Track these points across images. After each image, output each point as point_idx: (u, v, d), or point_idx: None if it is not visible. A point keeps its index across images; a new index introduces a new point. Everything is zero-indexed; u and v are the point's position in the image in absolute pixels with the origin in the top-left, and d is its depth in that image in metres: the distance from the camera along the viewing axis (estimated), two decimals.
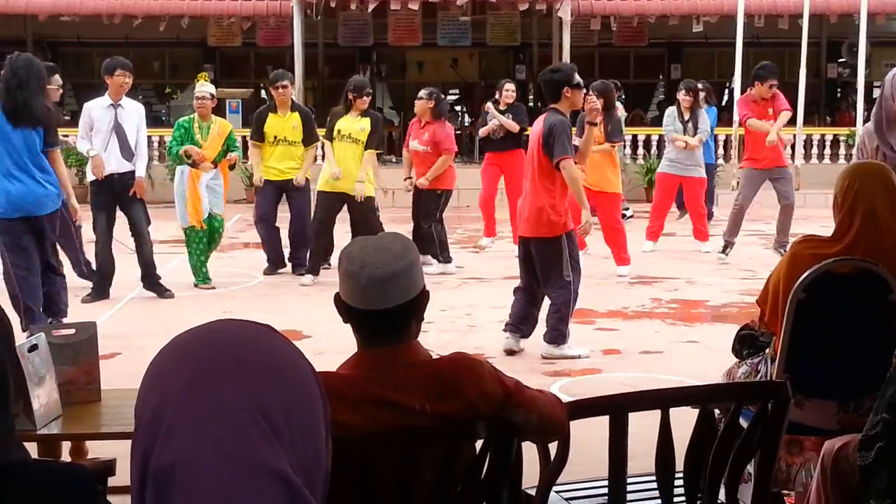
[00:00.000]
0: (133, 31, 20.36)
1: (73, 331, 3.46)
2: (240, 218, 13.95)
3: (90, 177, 8.72)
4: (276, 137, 9.70)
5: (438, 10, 20.67)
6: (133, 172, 8.65)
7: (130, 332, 7.42)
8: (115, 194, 8.65)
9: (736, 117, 13.01)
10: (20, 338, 3.23)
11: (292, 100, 10.07)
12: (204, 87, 9.19)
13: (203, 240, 9.18)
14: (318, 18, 19.48)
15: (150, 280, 8.93)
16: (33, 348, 3.16)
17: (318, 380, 1.75)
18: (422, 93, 10.26)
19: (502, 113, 11.01)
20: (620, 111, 12.00)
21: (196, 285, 9.25)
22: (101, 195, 8.67)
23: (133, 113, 8.74)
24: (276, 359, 1.87)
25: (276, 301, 8.85)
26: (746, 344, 3.80)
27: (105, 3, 19.76)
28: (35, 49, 22.57)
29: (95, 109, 8.64)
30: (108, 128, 8.56)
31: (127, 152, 8.60)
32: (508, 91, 11.20)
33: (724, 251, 10.73)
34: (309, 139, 9.85)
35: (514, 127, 10.94)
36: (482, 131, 11.42)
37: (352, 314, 2.35)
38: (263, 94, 24.54)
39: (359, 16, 20.90)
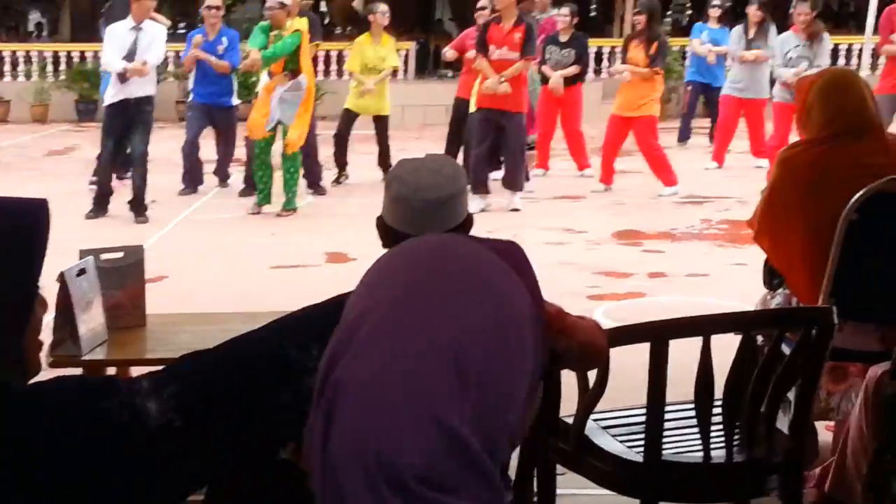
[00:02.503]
0: None
1: (121, 254, 3.47)
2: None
3: (107, 100, 8.77)
4: None
5: None
6: (149, 97, 8.72)
7: (177, 254, 7.50)
8: (126, 119, 8.69)
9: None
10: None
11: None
12: None
13: (265, 160, 8.94)
14: None
15: (135, 203, 8.89)
16: (81, 272, 3.17)
17: (536, 309, 1.80)
18: None
19: (559, 46, 10.66)
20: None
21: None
22: (114, 118, 8.72)
23: (154, 37, 8.70)
24: (491, 299, 1.90)
25: (322, 222, 8.85)
26: (776, 273, 3.76)
27: None
28: None
29: (118, 31, 8.66)
30: (126, 52, 8.56)
31: (142, 78, 8.62)
32: (562, 16, 10.71)
33: None
34: None
35: (574, 72, 10.67)
36: (545, 71, 10.67)
37: (399, 239, 2.25)
38: (323, 5, 24.27)
39: None
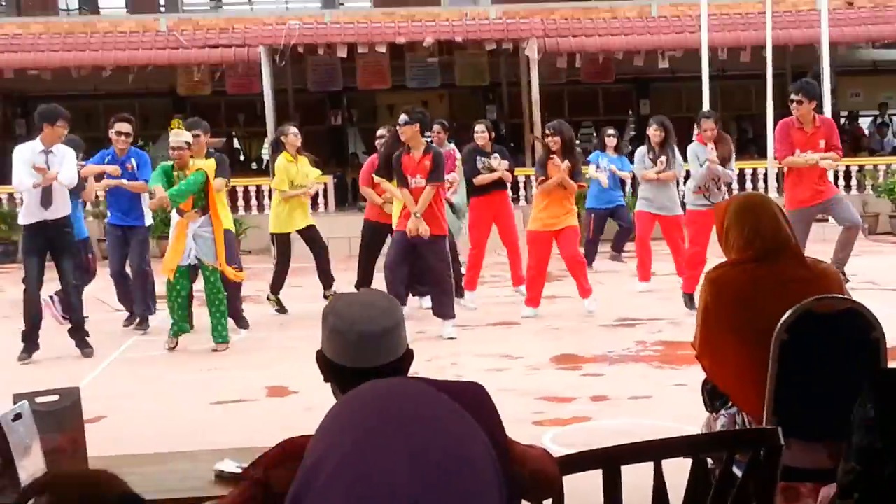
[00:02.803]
0: (102, 83, 20.41)
1: (56, 397, 3.42)
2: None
3: (23, 220, 8.77)
4: None
5: (406, 52, 20.80)
6: (66, 218, 8.73)
7: (114, 393, 7.38)
8: (46, 240, 8.67)
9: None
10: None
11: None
12: (179, 135, 8.89)
13: (180, 292, 8.91)
14: (283, 65, 19.56)
15: (74, 332, 8.88)
16: (17, 417, 3.11)
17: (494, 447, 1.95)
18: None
19: (485, 156, 10.87)
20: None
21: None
22: (33, 241, 8.68)
23: (64, 159, 8.72)
24: (443, 439, 1.94)
25: (261, 356, 8.77)
26: (716, 395, 3.84)
27: (72, 56, 19.80)
28: (4, 103, 22.62)
29: (27, 153, 8.65)
30: (35, 174, 8.52)
31: (59, 200, 8.64)
32: (479, 132, 11.00)
33: None
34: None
35: (508, 177, 10.93)
36: (478, 180, 10.84)
37: (337, 372, 2.31)
38: (236, 142, 24.64)
39: (327, 61, 20.99)
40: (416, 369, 2.43)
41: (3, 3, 24.79)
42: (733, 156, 10.27)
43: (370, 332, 2.27)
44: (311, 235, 10.93)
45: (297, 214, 10.83)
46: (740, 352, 3.60)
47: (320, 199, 18.69)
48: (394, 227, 9.37)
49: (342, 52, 19.25)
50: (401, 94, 21.88)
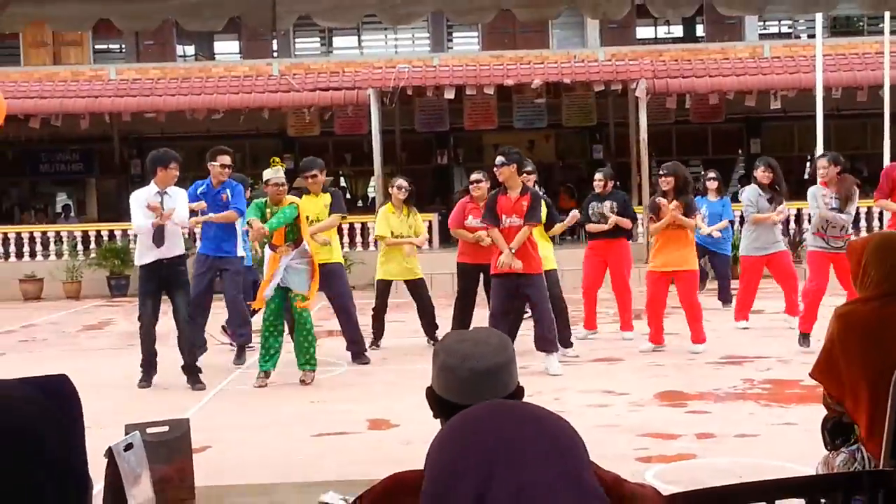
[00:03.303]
0: (214, 125, 20.92)
1: (166, 428, 3.45)
2: (322, 306, 14.01)
3: (139, 261, 8.98)
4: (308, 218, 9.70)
5: (514, 93, 20.89)
6: (181, 257, 8.96)
7: (219, 424, 7.46)
8: (161, 280, 8.88)
9: None
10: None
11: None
12: (277, 172, 9.03)
13: (272, 322, 8.91)
14: (391, 106, 19.79)
15: (187, 369, 9.02)
16: (129, 447, 3.14)
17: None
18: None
19: (602, 200, 10.86)
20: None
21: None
22: (149, 281, 8.89)
23: (178, 199, 8.96)
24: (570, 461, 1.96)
25: (363, 390, 8.81)
26: (837, 433, 3.74)
27: (187, 100, 20.38)
28: (121, 145, 23.37)
29: (143, 197, 8.90)
30: (153, 216, 8.75)
31: (173, 239, 8.86)
32: (597, 180, 11.05)
33: None
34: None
35: (626, 224, 10.85)
36: (589, 227, 10.97)
37: (447, 409, 2.27)
38: (343, 181, 24.98)
39: (435, 102, 21.21)
40: None
41: (123, 50, 25.65)
42: (855, 196, 10.00)
43: (482, 369, 2.25)
44: (417, 291, 10.92)
45: (397, 264, 10.82)
46: (866, 389, 3.54)
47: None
48: (490, 270, 9.33)
49: (450, 94, 19.42)
50: (507, 135, 21.95)
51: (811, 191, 10.04)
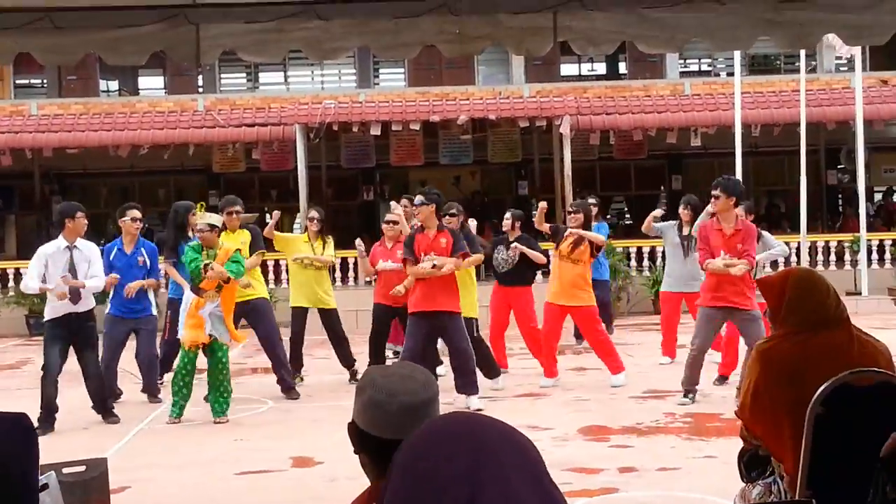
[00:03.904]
0: (138, 161, 20.68)
1: (83, 468, 3.39)
2: (246, 343, 13.84)
3: (49, 315, 8.79)
4: None
5: (440, 129, 20.98)
6: (91, 311, 8.86)
7: (139, 464, 7.33)
8: (71, 333, 8.76)
9: None
10: None
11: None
12: (204, 218, 8.98)
13: (190, 366, 8.87)
14: (317, 142, 19.75)
15: (98, 405, 9.01)
16: (44, 487, 3.08)
17: None
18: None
19: (509, 245, 10.77)
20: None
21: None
22: (57, 335, 8.74)
23: (87, 254, 8.85)
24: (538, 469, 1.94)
25: (287, 427, 8.73)
26: (753, 466, 3.79)
27: (110, 136, 20.12)
28: (42, 181, 22.97)
29: (49, 252, 8.75)
30: (64, 270, 8.65)
31: (86, 294, 8.81)
32: (506, 220, 10.99)
33: None
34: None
35: (541, 259, 10.82)
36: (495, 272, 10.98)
37: (371, 444, 2.27)
38: (268, 217, 24.79)
39: (361, 138, 21.20)
40: None
41: (45, 85, 25.27)
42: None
43: (411, 404, 2.25)
44: (329, 321, 10.79)
45: (308, 289, 10.73)
46: (791, 426, 3.55)
47: (350, 273, 18.92)
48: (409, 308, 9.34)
49: (376, 130, 19.46)
50: (433, 171, 22.02)
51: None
